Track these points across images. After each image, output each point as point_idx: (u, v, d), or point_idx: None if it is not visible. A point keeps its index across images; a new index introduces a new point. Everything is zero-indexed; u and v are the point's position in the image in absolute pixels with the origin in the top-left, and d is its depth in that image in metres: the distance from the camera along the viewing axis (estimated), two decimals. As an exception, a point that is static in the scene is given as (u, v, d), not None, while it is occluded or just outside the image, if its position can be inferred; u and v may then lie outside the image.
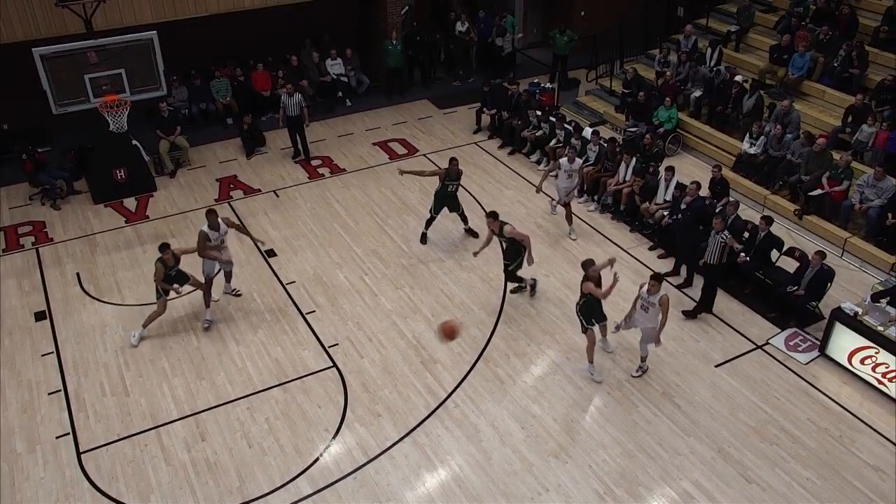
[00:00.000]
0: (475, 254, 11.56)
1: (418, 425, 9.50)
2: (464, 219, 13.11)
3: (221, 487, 8.72)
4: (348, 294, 11.82)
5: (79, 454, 9.18)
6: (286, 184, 15.09)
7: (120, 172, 14.53)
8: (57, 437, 9.40)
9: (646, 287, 9.55)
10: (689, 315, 11.16)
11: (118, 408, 9.84)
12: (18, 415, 9.75)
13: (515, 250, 11.19)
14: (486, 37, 19.32)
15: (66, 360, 10.66)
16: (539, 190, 13.37)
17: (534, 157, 15.67)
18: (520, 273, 11.43)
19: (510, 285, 11.72)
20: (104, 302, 11.79)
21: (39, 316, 11.54)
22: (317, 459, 9.06)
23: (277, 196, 14.66)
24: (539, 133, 15.53)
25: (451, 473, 8.90)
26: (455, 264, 12.47)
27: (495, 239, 11.43)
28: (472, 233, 13.13)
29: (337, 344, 10.84)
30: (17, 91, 14.25)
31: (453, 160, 12.66)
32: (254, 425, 9.53)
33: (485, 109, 16.84)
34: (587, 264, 9.71)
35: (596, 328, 10.05)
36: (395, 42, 18.06)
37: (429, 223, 12.97)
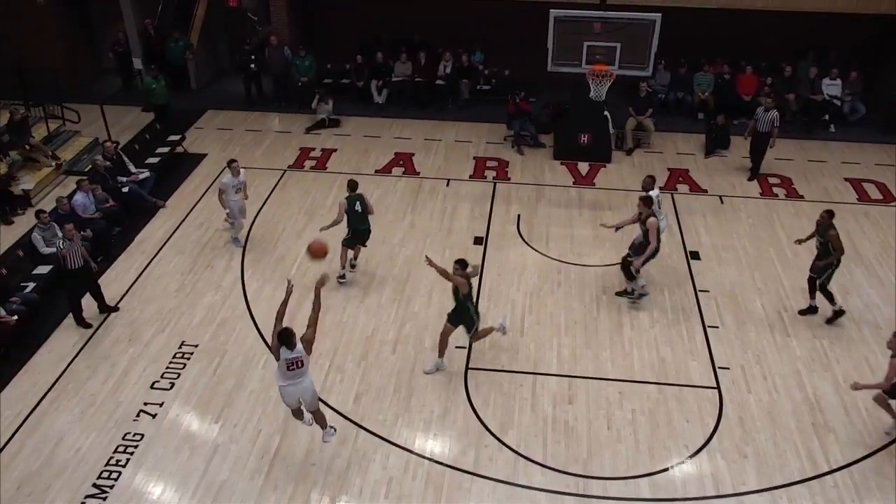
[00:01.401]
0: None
1: (784, 486, 8.67)
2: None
3: (569, 453, 9.04)
4: (759, 323, 11.11)
5: (467, 368, 10.26)
6: (734, 193, 14.54)
7: (584, 137, 15.44)
8: (456, 347, 10.51)
9: None
10: None
11: (510, 343, 10.72)
12: (435, 317, 11.13)
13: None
14: None
15: (484, 285, 11.89)
16: None
17: None
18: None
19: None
20: (531, 247, 12.81)
21: (478, 241, 13.02)
22: (666, 469, 8.86)
23: (722, 202, 14.23)
24: None
25: (802, 552, 8.03)
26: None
27: None
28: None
29: (728, 368, 10.32)
30: (523, 44, 15.92)
31: (828, 212, 10.81)
32: (619, 410, 9.64)
33: None
34: None
35: None
36: (912, 74, 15.96)
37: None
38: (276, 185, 14.70)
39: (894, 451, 9.12)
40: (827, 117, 16.86)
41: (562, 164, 15.58)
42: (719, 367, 10.33)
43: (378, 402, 9.70)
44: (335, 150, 16.15)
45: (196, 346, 10.63)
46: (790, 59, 17.22)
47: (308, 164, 15.62)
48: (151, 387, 9.92)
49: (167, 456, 8.95)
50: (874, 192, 14.62)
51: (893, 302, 11.56)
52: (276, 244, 12.88)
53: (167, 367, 10.25)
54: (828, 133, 16.80)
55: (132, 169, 14.21)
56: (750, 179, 14.99)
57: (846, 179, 15.06)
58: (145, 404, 9.65)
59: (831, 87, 16.82)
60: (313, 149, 16.20)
